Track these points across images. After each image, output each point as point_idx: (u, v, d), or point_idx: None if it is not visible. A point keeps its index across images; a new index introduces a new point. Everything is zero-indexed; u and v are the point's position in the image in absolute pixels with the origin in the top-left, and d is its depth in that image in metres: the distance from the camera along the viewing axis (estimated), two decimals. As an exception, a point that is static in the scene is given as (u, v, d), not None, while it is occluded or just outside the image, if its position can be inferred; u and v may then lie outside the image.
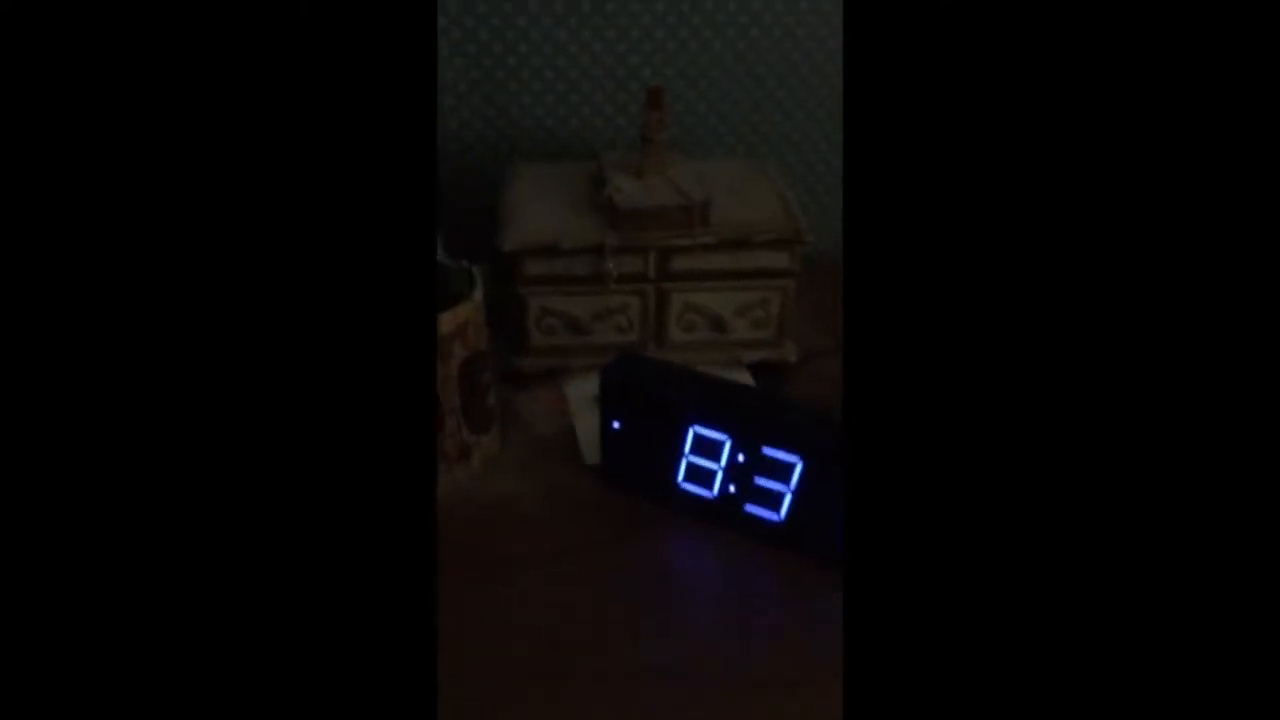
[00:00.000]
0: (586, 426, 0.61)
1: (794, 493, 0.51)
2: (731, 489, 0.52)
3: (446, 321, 0.51)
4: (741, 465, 0.51)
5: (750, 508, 0.52)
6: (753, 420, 0.50)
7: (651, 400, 0.53)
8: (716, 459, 0.52)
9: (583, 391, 0.64)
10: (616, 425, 0.55)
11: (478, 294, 0.53)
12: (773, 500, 0.51)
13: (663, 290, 0.63)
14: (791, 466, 0.50)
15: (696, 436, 0.52)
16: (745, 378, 0.67)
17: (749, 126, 0.80)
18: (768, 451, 0.50)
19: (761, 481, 0.51)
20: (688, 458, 0.53)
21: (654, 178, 0.62)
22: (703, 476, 0.53)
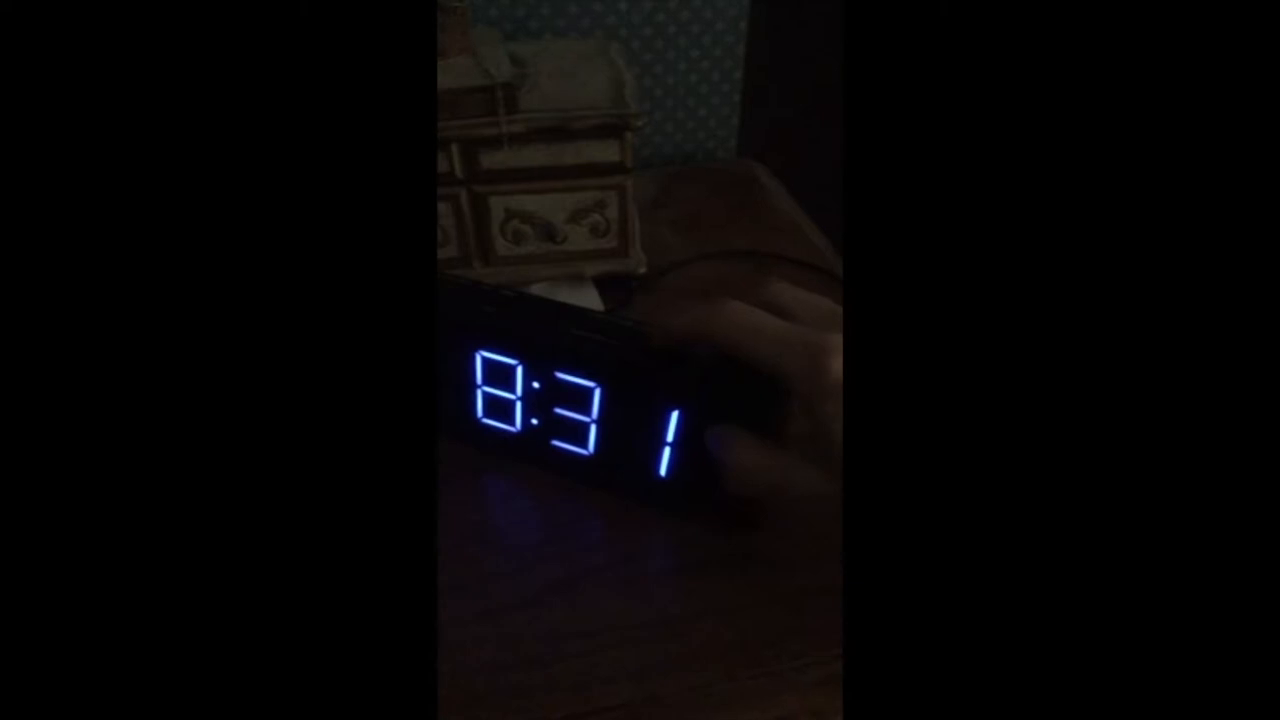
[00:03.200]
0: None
1: (597, 423, 0.43)
2: (534, 421, 0.45)
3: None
4: (538, 393, 0.43)
5: (557, 442, 0.45)
6: (541, 341, 0.42)
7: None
8: (512, 388, 0.44)
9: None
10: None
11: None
12: (578, 433, 0.44)
13: (476, 193, 0.54)
14: (590, 392, 0.42)
15: (487, 363, 0.44)
16: (590, 294, 0.58)
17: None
18: (562, 376, 0.42)
19: (562, 411, 0.43)
20: (482, 388, 0.45)
21: (456, 57, 0.52)
22: (502, 409, 0.45)
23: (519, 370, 0.43)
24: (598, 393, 0.42)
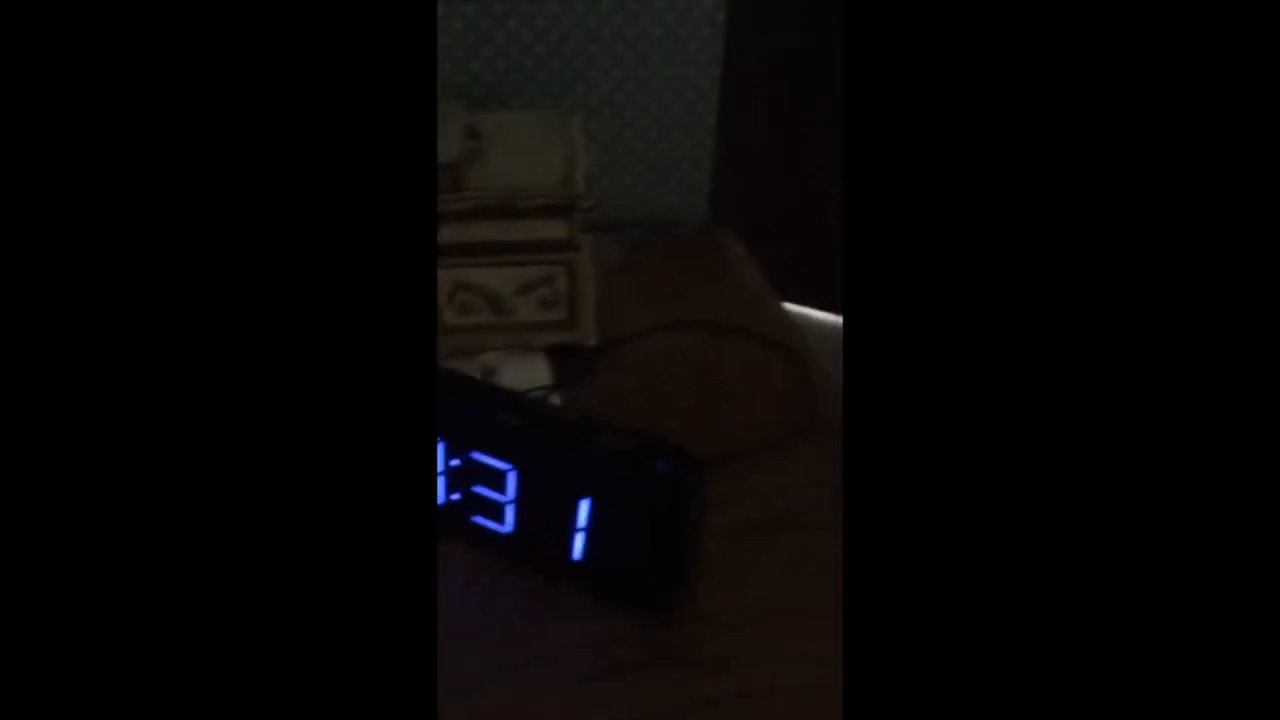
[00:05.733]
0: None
1: (514, 503, 0.43)
2: (455, 496, 0.45)
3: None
4: (458, 470, 0.44)
5: (477, 518, 0.45)
6: (460, 421, 0.43)
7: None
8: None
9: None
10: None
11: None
12: (496, 510, 0.44)
13: (426, 266, 0.55)
14: (504, 474, 0.42)
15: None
16: (539, 366, 0.59)
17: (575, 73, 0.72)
18: (478, 457, 0.43)
19: (481, 490, 0.44)
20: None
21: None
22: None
23: (440, 447, 0.44)
24: (512, 475, 0.42)
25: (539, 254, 0.55)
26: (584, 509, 0.41)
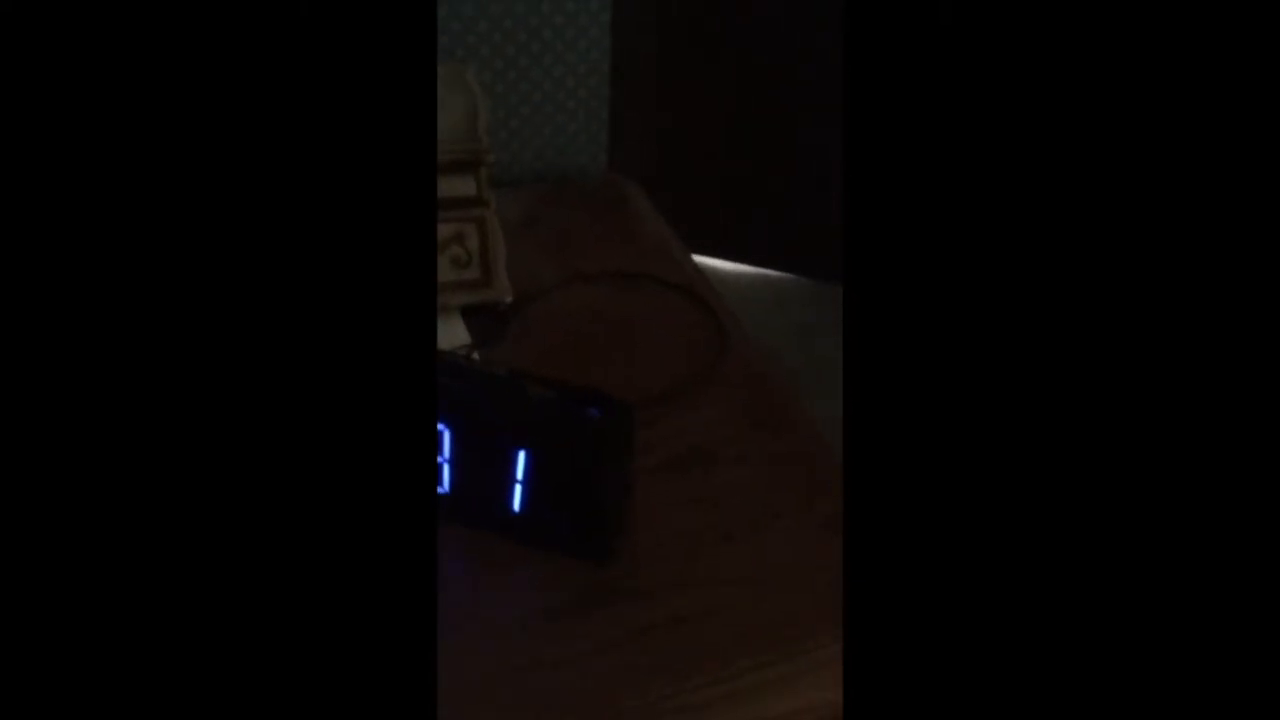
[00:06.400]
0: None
1: (449, 463, 0.44)
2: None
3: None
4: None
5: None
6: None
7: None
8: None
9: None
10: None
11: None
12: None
13: (332, 231, 0.54)
14: (439, 435, 0.43)
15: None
16: (456, 326, 0.59)
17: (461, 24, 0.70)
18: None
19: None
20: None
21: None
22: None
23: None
24: (447, 434, 0.43)
25: (449, 211, 0.55)
26: (521, 460, 0.42)
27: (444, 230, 0.56)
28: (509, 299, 0.60)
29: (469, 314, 0.60)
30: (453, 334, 0.58)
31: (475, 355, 0.56)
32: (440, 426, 0.42)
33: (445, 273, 0.57)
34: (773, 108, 1.23)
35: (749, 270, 1.46)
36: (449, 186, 0.54)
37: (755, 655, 0.41)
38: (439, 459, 0.44)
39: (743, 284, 1.43)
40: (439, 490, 0.45)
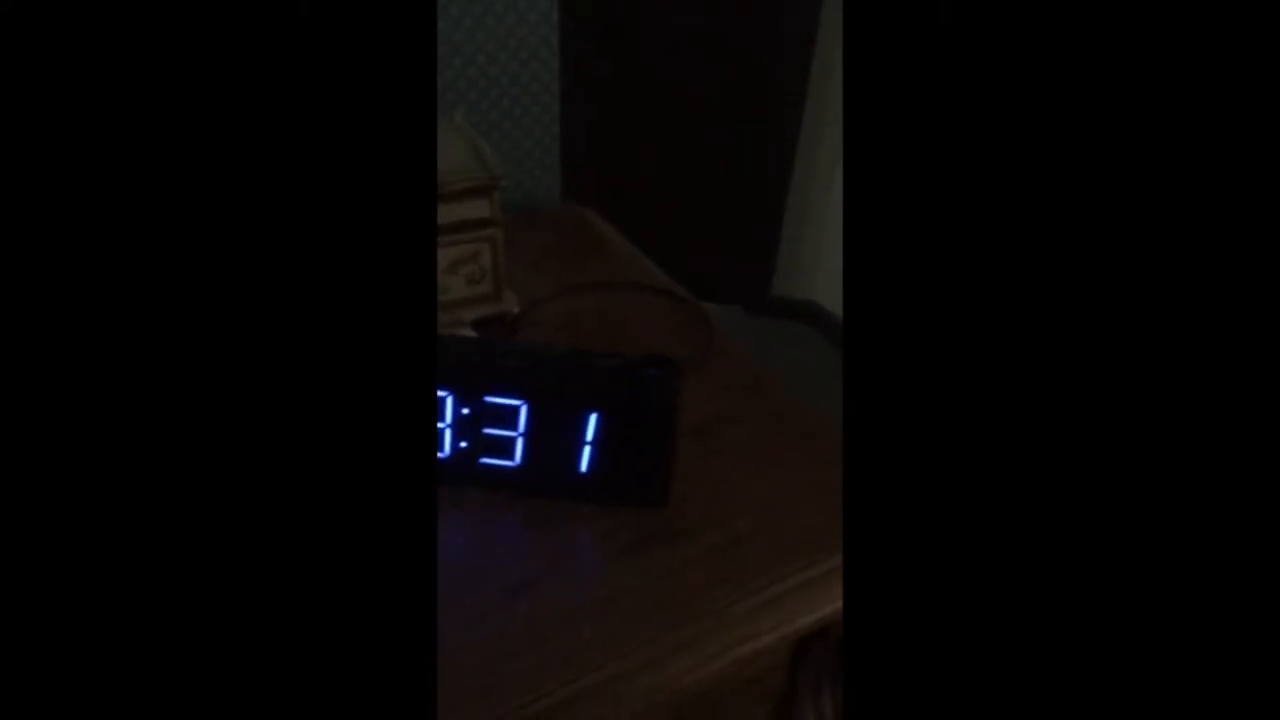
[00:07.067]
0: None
1: (524, 435, 0.50)
2: (462, 444, 0.51)
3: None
4: (467, 418, 0.50)
5: (485, 459, 0.51)
6: (464, 373, 0.49)
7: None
8: (440, 417, 0.50)
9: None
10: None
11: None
12: (505, 448, 0.50)
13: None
14: (516, 410, 0.49)
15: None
16: (469, 336, 0.65)
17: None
18: (490, 400, 0.49)
19: (491, 431, 0.50)
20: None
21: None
22: (431, 439, 0.51)
23: (448, 400, 0.49)
24: (523, 409, 0.49)
25: (464, 234, 0.61)
26: (592, 423, 0.49)
27: (460, 251, 0.62)
28: (516, 310, 0.66)
29: (479, 325, 0.66)
30: (473, 343, 0.64)
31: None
32: (519, 402, 0.49)
33: (461, 290, 0.64)
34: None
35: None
36: (464, 211, 0.60)
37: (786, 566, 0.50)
38: (514, 434, 0.50)
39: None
40: (511, 464, 0.51)
